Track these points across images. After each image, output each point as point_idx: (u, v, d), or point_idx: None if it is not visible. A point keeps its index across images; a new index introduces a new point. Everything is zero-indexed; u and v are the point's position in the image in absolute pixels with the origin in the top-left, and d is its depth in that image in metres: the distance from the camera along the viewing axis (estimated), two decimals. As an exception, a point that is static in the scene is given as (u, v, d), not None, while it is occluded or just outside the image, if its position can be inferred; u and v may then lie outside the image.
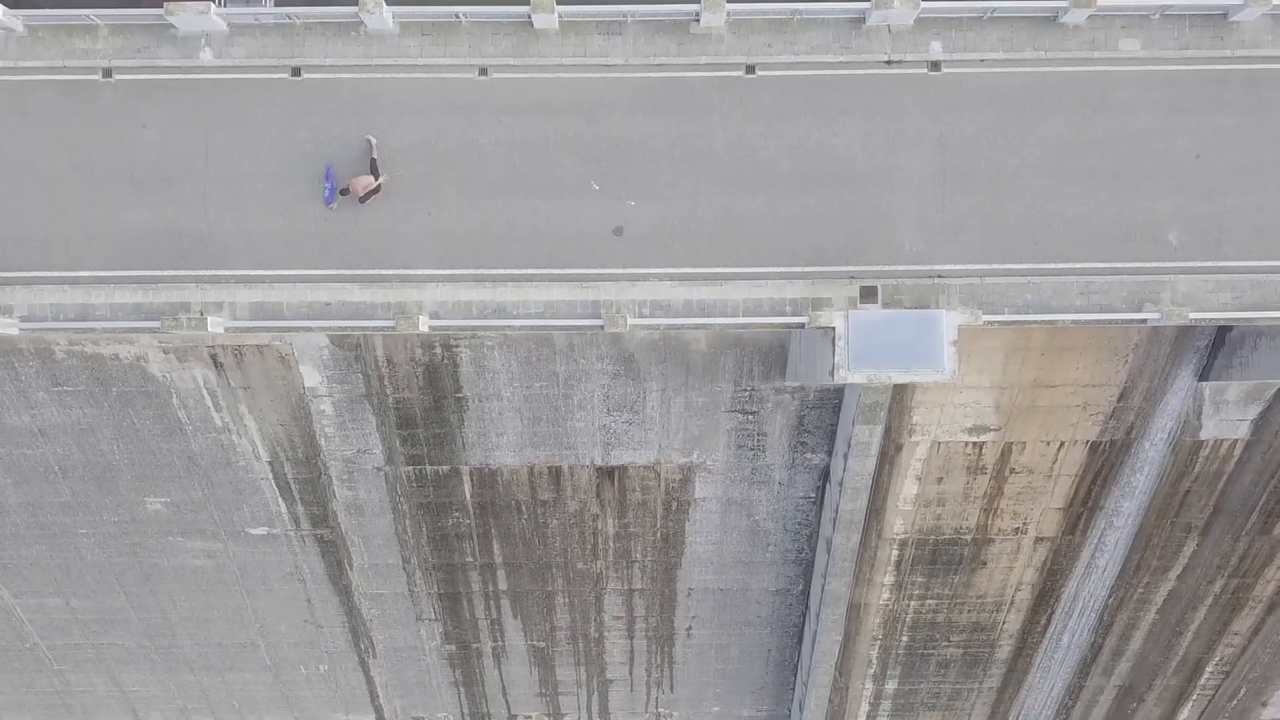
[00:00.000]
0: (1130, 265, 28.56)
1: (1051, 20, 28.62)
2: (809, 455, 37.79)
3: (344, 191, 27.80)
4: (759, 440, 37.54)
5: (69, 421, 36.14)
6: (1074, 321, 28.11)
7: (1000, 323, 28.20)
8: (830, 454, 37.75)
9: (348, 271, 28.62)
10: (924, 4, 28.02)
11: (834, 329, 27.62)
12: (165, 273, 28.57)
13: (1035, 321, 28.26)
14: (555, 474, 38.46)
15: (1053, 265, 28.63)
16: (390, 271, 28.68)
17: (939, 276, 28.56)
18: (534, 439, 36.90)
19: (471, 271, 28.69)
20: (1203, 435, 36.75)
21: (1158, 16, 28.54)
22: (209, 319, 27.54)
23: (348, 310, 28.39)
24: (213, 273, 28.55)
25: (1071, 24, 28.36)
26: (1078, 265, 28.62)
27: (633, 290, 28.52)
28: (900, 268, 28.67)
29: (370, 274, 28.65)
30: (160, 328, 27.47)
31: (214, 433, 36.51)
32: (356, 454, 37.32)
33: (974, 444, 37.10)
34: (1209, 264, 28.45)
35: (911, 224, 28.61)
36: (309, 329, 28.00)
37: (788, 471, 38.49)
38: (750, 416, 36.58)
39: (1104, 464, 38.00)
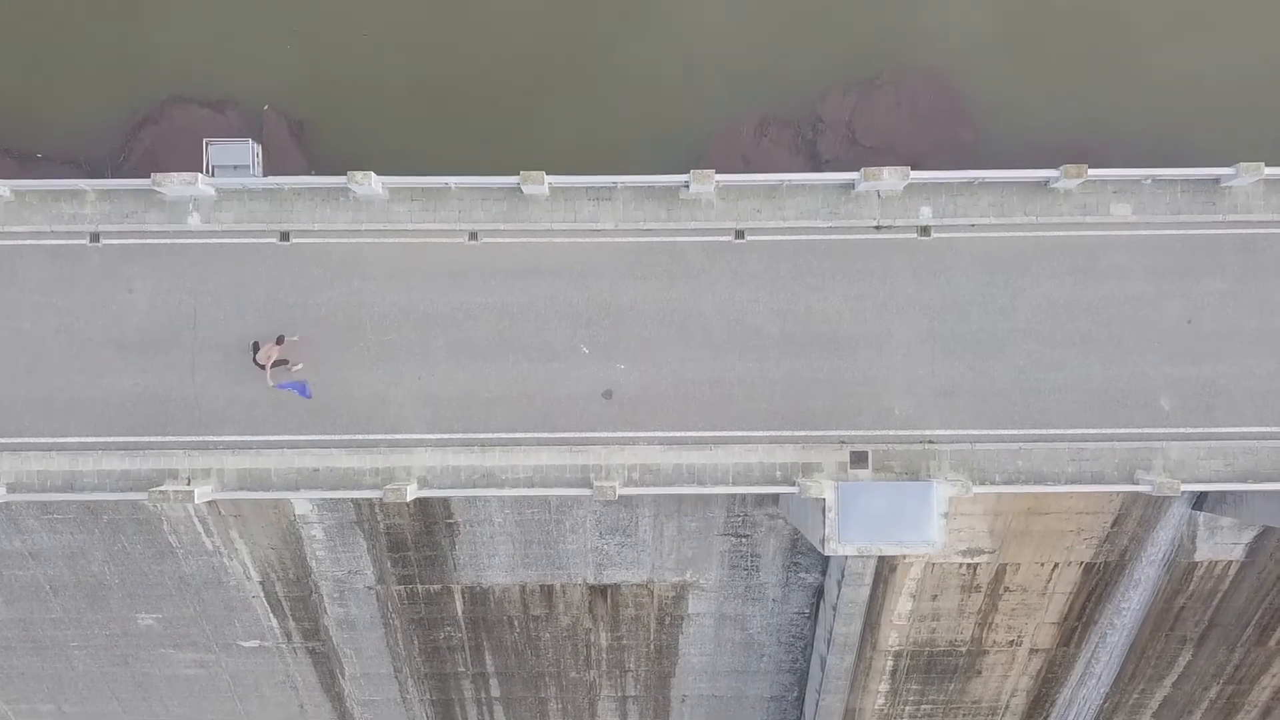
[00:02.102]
0: (1121, 431, 28.44)
1: (1042, 185, 28.45)
2: (803, 575, 37.73)
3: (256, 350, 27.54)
4: (752, 561, 37.46)
5: (60, 545, 36.09)
6: (1065, 491, 27.94)
7: (991, 493, 28.04)
8: (824, 574, 37.67)
9: (336, 436, 28.53)
10: (913, 174, 27.81)
11: (824, 500, 27.46)
12: (152, 439, 28.47)
13: (1026, 491, 28.08)
14: (547, 592, 38.41)
15: (1043, 431, 28.51)
16: (379, 436, 28.59)
17: (929, 442, 28.44)
18: (526, 560, 36.83)
19: (460, 436, 28.59)
20: (1197, 557, 36.65)
21: (1149, 182, 28.42)
22: (195, 490, 27.43)
23: (335, 477, 28.28)
24: (200, 438, 28.46)
25: (1062, 189, 28.22)
26: (1069, 431, 28.49)
27: (622, 454, 28.42)
28: (890, 432, 28.53)
29: (358, 439, 28.57)
30: (147, 500, 27.34)
31: (205, 556, 36.45)
32: (347, 574, 37.26)
33: (968, 565, 37.00)
34: (1201, 430, 28.33)
35: (901, 388, 28.48)
36: (296, 498, 27.81)
37: (782, 589, 38.41)
38: (743, 539, 36.50)
39: (1098, 583, 37.93)
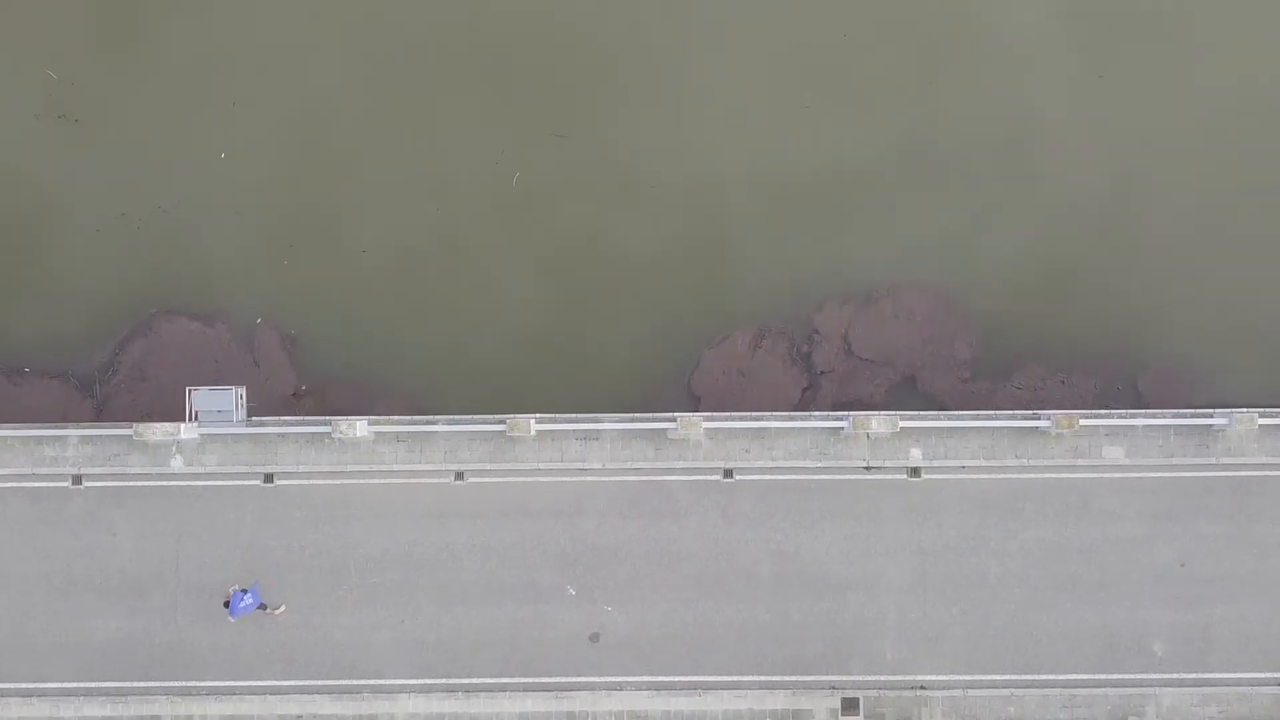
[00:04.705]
0: (1114, 677, 28.19)
1: (1033, 428, 28.23)
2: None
3: (226, 604, 27.16)
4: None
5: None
6: (1057, 744, 27.63)
7: (982, 745, 27.72)
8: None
9: (318, 682, 28.28)
10: (902, 423, 27.63)
11: (813, 757, 27.16)
12: (135, 684, 28.25)
13: (1018, 744, 27.77)
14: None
15: (1036, 676, 28.26)
16: (362, 681, 28.34)
17: (921, 688, 28.15)
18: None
19: (444, 681, 28.34)
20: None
21: (1142, 424, 28.17)
22: (177, 745, 27.15)
23: (318, 725, 28.00)
24: (182, 684, 28.24)
25: (1054, 432, 27.98)
26: (1061, 676, 28.24)
27: (609, 700, 28.14)
28: (882, 678, 28.27)
29: (341, 684, 28.34)
30: (128, 756, 27.08)
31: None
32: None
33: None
34: (1194, 675, 28.05)
35: (893, 632, 28.22)
36: (278, 751, 27.59)
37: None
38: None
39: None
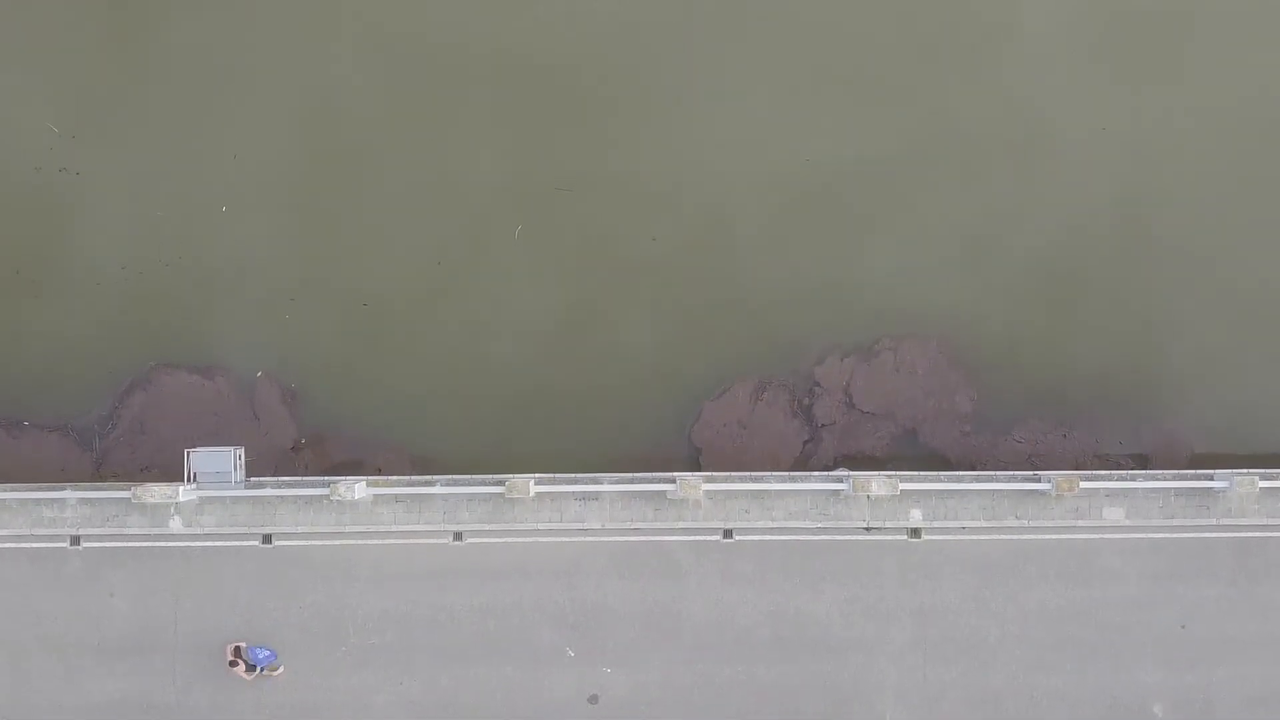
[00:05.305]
0: (1115, 738, 28.01)
1: (1034, 489, 28.17)
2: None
3: (232, 663, 27.14)
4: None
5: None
6: (1057, 808, 27.49)
7: (982, 810, 27.60)
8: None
9: (317, 743, 28.12)
10: (902, 485, 27.57)
11: (812, 820, 27.05)
12: (132, 746, 28.10)
13: (1018, 808, 27.64)
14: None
15: (1036, 738, 28.09)
16: (360, 743, 28.19)
17: (920, 750, 28.01)
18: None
19: (443, 743, 28.21)
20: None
21: (1142, 486, 28.10)
22: (174, 809, 27.05)
23: (316, 788, 27.89)
24: (180, 746, 28.10)
25: (1054, 494, 27.92)
26: (1061, 738, 28.08)
27: (608, 762, 28.01)
28: (881, 739, 28.16)
29: (340, 746, 28.16)
30: (124, 820, 26.98)
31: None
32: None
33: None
34: (1195, 737, 27.90)
35: (893, 694, 28.16)
36: (277, 814, 27.47)
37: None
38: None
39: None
